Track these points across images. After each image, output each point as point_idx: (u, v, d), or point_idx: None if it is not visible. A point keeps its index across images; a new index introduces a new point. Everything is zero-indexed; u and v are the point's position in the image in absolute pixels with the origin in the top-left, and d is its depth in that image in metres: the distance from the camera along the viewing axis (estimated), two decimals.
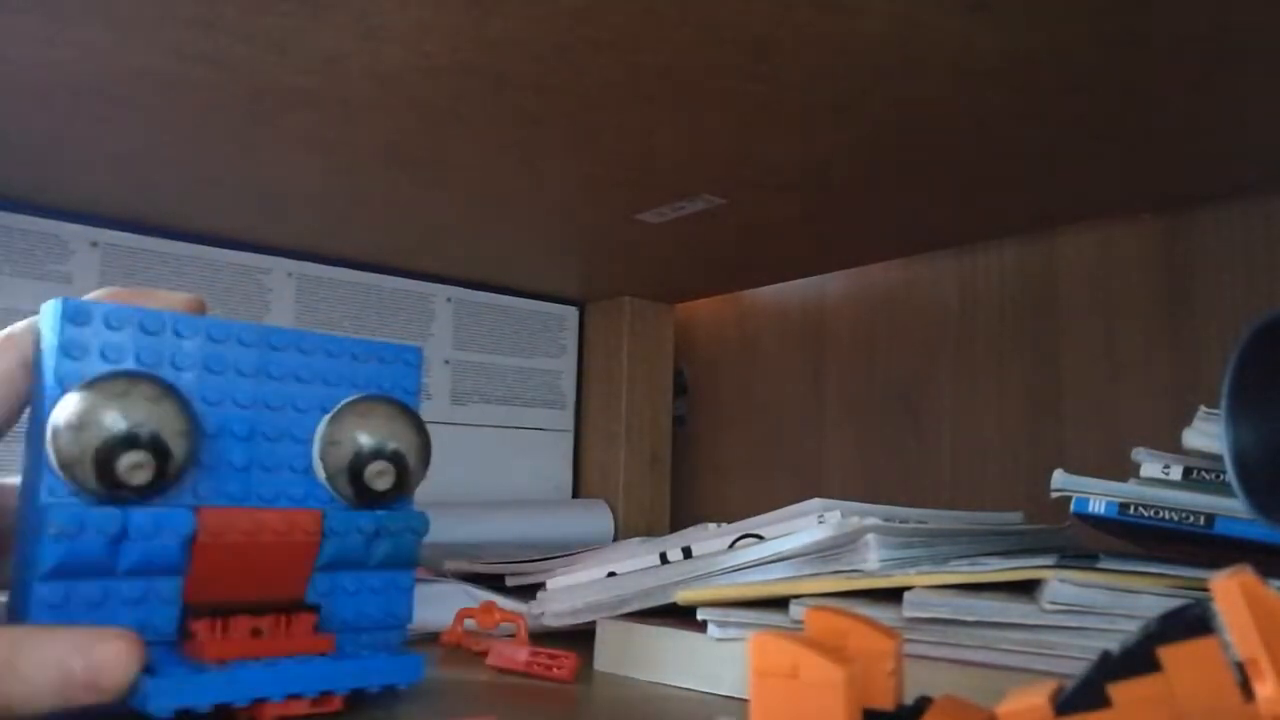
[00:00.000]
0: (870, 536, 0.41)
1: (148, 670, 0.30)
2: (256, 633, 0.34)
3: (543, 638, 0.50)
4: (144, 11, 0.41)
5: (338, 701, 0.34)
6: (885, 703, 0.25)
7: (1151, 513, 0.42)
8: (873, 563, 0.41)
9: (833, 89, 0.47)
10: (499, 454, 0.90)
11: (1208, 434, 0.42)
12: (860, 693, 0.24)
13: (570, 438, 0.95)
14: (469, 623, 0.53)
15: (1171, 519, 0.42)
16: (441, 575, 0.65)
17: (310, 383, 0.37)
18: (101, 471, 0.30)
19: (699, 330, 0.99)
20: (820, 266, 0.84)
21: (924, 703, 0.25)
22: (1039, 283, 0.73)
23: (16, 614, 0.32)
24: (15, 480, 0.35)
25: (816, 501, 0.46)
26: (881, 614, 0.39)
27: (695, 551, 0.47)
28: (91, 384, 0.31)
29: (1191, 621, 0.20)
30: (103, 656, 0.28)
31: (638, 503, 0.92)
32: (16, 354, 0.33)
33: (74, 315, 0.33)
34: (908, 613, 0.39)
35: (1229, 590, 0.19)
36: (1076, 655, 0.35)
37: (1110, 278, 0.69)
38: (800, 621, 0.41)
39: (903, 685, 0.26)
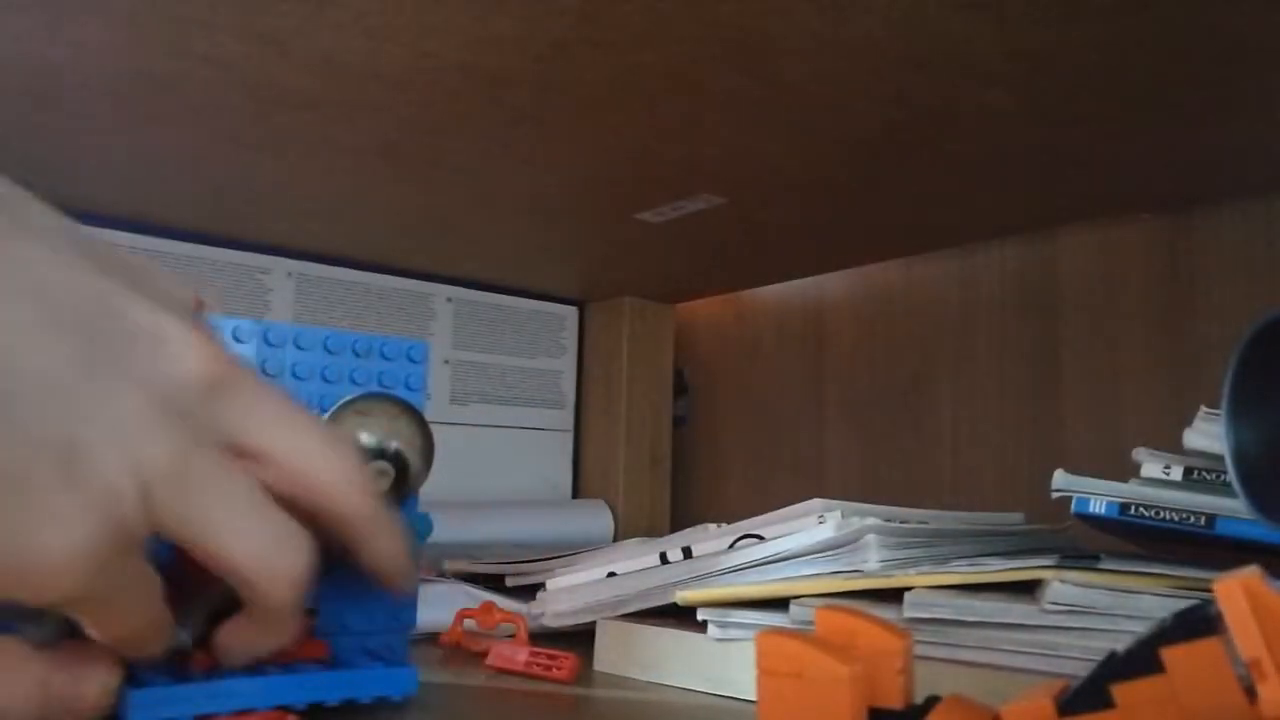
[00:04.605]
0: (870, 537, 0.41)
1: (132, 680, 0.30)
2: None
3: (542, 638, 0.50)
4: (144, 11, 0.41)
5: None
6: (894, 702, 0.25)
7: (1152, 513, 0.42)
8: (873, 563, 0.41)
9: (833, 89, 0.47)
10: (499, 454, 0.90)
11: (1209, 434, 0.42)
12: (867, 691, 0.24)
13: (570, 438, 0.95)
14: (469, 623, 0.53)
15: (1172, 519, 0.42)
16: (441, 575, 0.65)
17: (308, 380, 0.37)
18: None
19: (699, 330, 0.99)
20: (820, 266, 0.84)
21: (932, 702, 0.25)
22: (1039, 283, 0.73)
23: None
24: None
25: (817, 502, 0.45)
26: (882, 614, 0.39)
27: (695, 552, 0.47)
28: None
29: (1195, 622, 0.20)
30: (83, 675, 0.28)
31: (638, 503, 0.92)
32: None
33: None
34: (908, 613, 0.39)
35: (1232, 591, 0.19)
36: (1077, 656, 0.35)
37: (1110, 278, 0.69)
38: (800, 622, 0.41)
39: (913, 684, 0.26)
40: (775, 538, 0.44)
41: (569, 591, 0.50)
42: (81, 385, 0.22)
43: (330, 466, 0.28)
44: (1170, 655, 0.20)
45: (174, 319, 0.25)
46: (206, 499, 0.24)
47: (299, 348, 0.37)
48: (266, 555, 0.26)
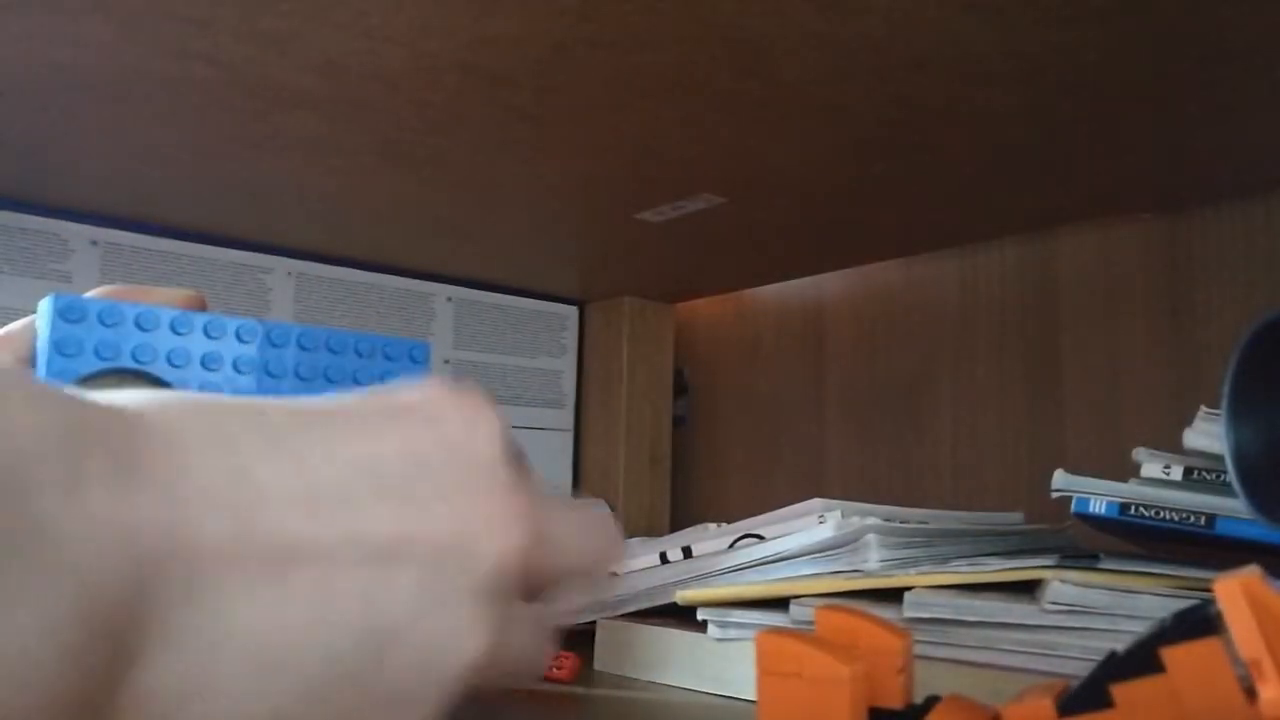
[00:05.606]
0: (870, 536, 0.41)
1: None
2: None
3: None
4: (144, 11, 0.41)
5: None
6: (894, 702, 0.25)
7: (1152, 513, 0.42)
8: (873, 563, 0.41)
9: (833, 89, 0.47)
10: None
11: (1208, 434, 0.42)
12: (866, 691, 0.24)
13: (570, 438, 0.95)
14: None
15: (1172, 519, 0.42)
16: None
17: (311, 380, 0.37)
18: None
19: (699, 330, 0.99)
20: (820, 266, 0.84)
21: (932, 702, 0.25)
22: (1039, 283, 0.73)
23: None
24: None
25: (817, 501, 0.46)
26: (882, 614, 0.39)
27: (695, 551, 0.47)
28: (84, 381, 0.31)
29: (1195, 622, 0.20)
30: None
31: (638, 503, 0.92)
32: (13, 352, 0.33)
33: (68, 312, 0.32)
34: (908, 613, 0.39)
35: (1232, 591, 0.19)
36: (1077, 655, 0.35)
37: (1110, 278, 0.69)
38: (800, 621, 0.41)
39: (913, 684, 0.26)
40: (775, 537, 0.44)
41: None
42: None
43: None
44: (1170, 655, 0.20)
45: None
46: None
47: (302, 348, 0.37)
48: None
